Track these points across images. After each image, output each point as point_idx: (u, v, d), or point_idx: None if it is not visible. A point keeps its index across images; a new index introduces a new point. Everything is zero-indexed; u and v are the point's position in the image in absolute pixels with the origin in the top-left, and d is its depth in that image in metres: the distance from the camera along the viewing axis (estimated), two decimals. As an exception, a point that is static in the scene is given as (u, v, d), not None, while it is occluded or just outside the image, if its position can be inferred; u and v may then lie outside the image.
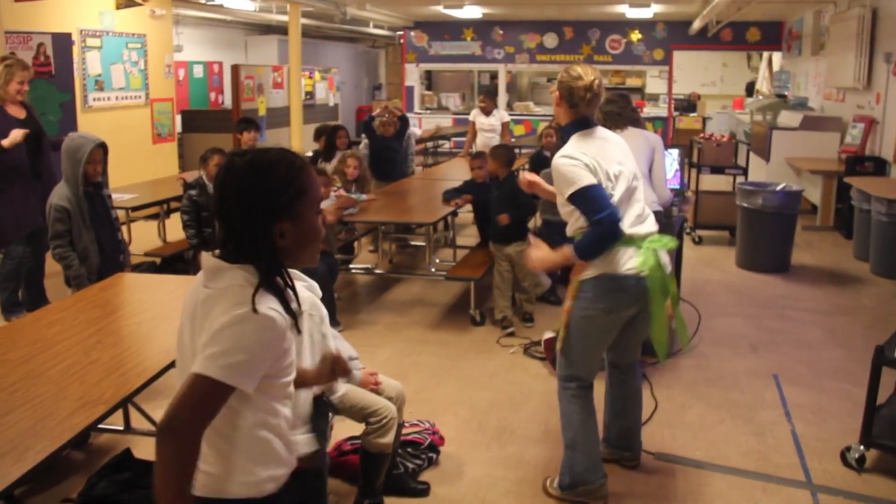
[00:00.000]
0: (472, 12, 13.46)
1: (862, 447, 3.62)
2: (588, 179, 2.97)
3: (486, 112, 9.31)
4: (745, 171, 8.32)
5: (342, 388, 2.97)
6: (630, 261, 3.07)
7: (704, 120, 14.93)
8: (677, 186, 5.29)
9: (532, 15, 14.45)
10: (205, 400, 1.60)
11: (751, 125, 11.65)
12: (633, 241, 3.09)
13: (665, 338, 3.27)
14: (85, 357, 2.84)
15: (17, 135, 5.27)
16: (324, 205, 5.41)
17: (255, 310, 1.62)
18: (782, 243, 7.14)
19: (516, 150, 9.99)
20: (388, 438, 3.10)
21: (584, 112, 3.12)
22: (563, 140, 3.18)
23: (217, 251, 1.74)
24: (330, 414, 3.36)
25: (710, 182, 9.31)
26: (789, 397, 4.45)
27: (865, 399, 3.59)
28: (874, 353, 3.53)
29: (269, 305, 1.65)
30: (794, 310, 6.08)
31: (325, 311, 2.73)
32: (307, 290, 2.59)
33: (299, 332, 1.74)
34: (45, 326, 3.21)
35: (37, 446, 2.17)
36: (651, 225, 3.19)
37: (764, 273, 7.07)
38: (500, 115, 9.45)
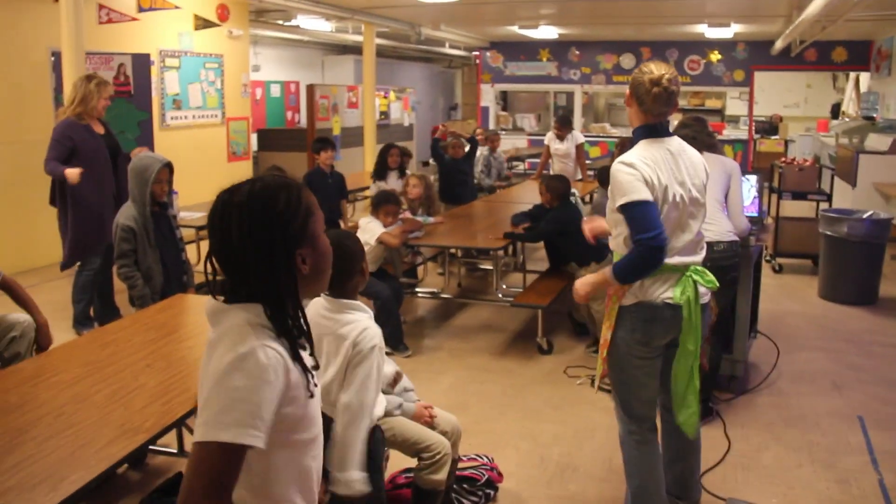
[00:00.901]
0: (548, 32, 13.33)
1: (958, 503, 3.32)
2: (643, 194, 2.74)
3: (561, 138, 9.17)
4: (829, 197, 7.92)
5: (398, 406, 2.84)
6: (669, 290, 2.86)
7: (787, 143, 14.43)
8: (755, 214, 5.03)
9: (609, 35, 14.24)
10: (215, 470, 1.42)
11: (836, 148, 11.18)
12: (675, 269, 2.88)
13: (689, 393, 3.04)
14: (133, 381, 2.79)
15: (74, 175, 5.33)
16: (389, 228, 5.34)
17: (249, 351, 1.47)
18: (869, 274, 6.75)
19: (590, 173, 9.85)
20: (441, 475, 2.96)
21: (653, 111, 2.85)
22: (631, 145, 2.94)
23: (222, 297, 1.60)
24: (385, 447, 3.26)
25: (793, 208, 8.94)
26: (876, 442, 4.14)
27: (962, 450, 3.30)
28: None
29: (265, 343, 1.50)
30: (882, 346, 5.72)
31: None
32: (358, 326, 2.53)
33: (311, 377, 1.61)
34: (100, 347, 3.20)
35: (72, 476, 2.12)
36: (700, 255, 2.97)
37: (849, 305, 6.70)
38: (575, 136, 9.30)
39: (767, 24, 11.46)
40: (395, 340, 5.36)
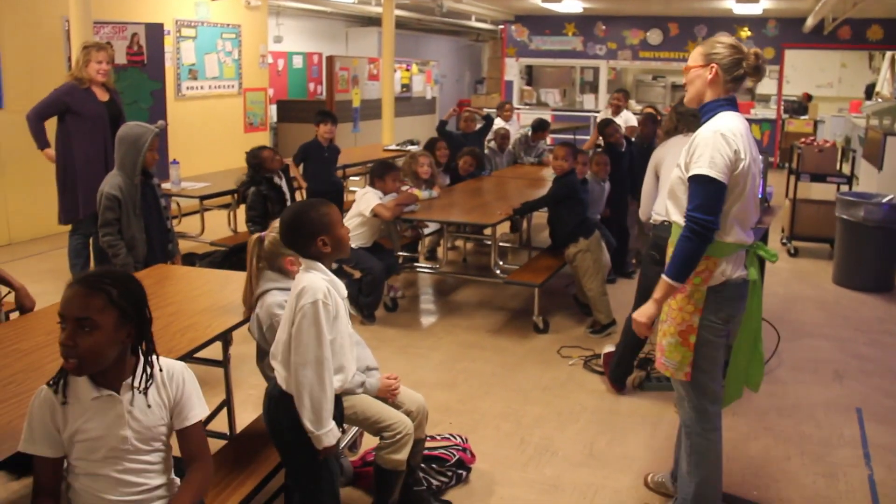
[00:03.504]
0: (573, 6, 13.08)
1: (947, 501, 3.19)
2: (722, 175, 2.63)
3: (616, 112, 8.91)
4: (849, 180, 7.68)
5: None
6: (744, 268, 2.83)
7: (816, 123, 14.04)
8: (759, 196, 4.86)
9: (636, 10, 13.94)
10: None
11: (866, 130, 10.86)
12: (746, 246, 2.81)
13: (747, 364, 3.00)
14: (91, 352, 2.75)
15: (48, 156, 5.77)
16: (384, 199, 5.27)
17: None
18: (886, 260, 6.55)
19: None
20: (402, 455, 2.90)
21: (738, 89, 2.81)
22: (701, 119, 2.81)
23: None
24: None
25: (817, 190, 8.71)
26: (871, 436, 4.00)
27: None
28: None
29: None
30: (893, 335, 5.54)
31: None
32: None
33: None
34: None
35: (2, 446, 2.09)
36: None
37: (863, 292, 6.51)
38: (626, 117, 9.06)
39: (797, 0, 11.13)
40: (369, 310, 5.43)
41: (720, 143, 2.65)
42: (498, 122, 9.09)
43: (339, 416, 2.69)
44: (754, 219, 2.85)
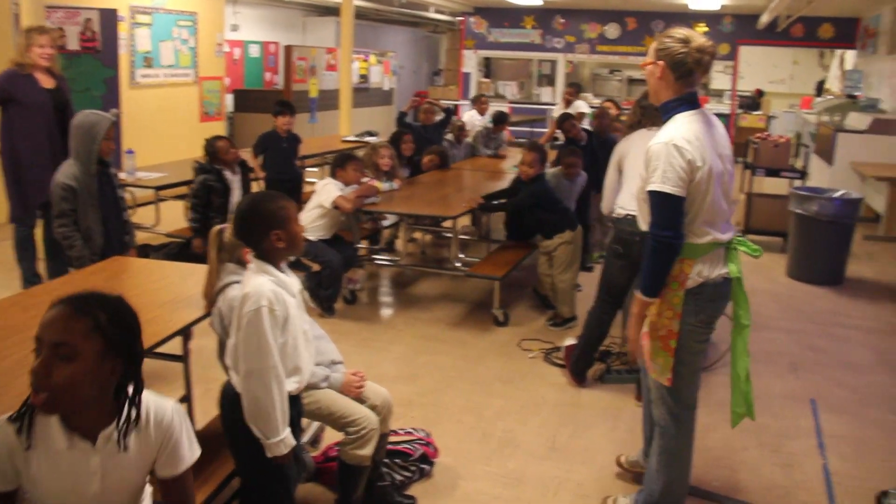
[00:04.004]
0: (532, -1, 13.11)
1: (899, 491, 3.26)
2: (677, 187, 2.61)
3: (567, 105, 9.13)
4: (802, 175, 7.83)
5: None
6: (724, 266, 2.78)
7: (769, 118, 14.28)
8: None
9: (594, 4, 14.01)
10: None
11: (817, 126, 11.07)
12: (724, 244, 2.77)
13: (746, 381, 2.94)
14: (45, 347, 2.67)
15: None
16: (345, 191, 5.22)
17: None
18: (837, 254, 6.68)
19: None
20: (367, 451, 2.87)
21: (691, 82, 2.74)
22: (662, 121, 2.77)
23: None
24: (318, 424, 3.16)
25: (770, 185, 8.85)
26: (826, 426, 4.09)
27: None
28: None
29: None
30: (844, 327, 5.67)
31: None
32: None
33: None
34: (21, 310, 3.07)
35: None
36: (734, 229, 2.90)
37: (815, 285, 6.64)
38: (577, 105, 9.29)
39: (753, -4, 11.30)
40: (328, 303, 5.38)
41: (673, 155, 2.61)
42: (473, 115, 9.20)
43: (300, 412, 2.65)
44: (727, 216, 2.81)
